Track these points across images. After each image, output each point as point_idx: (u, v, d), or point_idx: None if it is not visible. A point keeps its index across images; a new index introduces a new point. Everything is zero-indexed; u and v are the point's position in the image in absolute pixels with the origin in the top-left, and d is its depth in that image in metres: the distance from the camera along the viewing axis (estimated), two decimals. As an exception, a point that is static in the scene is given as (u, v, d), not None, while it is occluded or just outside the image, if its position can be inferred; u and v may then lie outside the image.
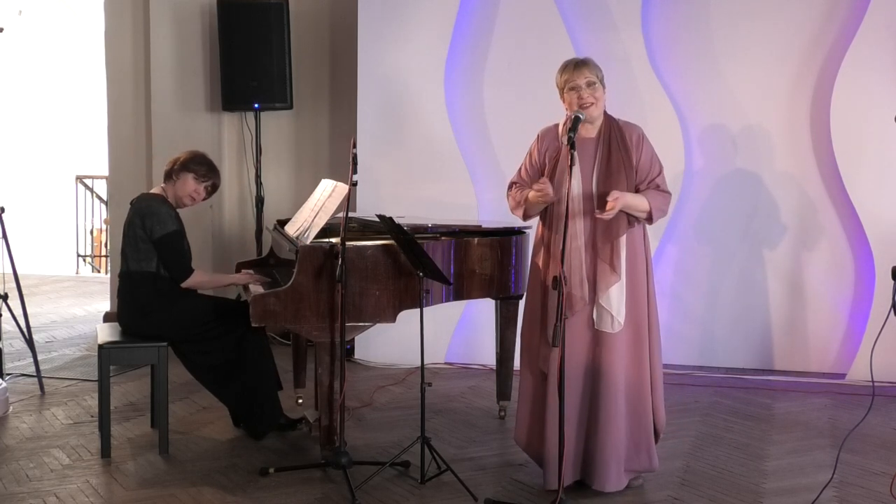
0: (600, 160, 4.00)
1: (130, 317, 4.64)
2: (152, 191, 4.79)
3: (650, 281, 4.09)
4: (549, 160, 4.09)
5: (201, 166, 4.72)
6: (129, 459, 4.51)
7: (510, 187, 4.21)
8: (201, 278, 4.71)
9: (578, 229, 3.98)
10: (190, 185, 4.70)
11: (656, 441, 4.18)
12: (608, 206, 3.87)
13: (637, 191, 4.02)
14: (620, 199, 3.88)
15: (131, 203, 4.73)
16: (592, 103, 3.97)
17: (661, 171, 4.06)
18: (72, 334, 7.40)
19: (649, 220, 4.00)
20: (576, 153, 3.84)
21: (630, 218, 3.98)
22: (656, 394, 4.11)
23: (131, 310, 4.63)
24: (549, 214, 4.07)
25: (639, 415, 4.05)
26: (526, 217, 4.16)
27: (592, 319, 3.99)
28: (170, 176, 4.72)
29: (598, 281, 3.96)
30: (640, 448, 4.07)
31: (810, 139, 6.06)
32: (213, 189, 4.79)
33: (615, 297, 3.96)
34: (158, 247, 4.57)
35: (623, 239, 3.98)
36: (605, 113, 4.09)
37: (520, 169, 4.20)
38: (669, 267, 6.18)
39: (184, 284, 4.62)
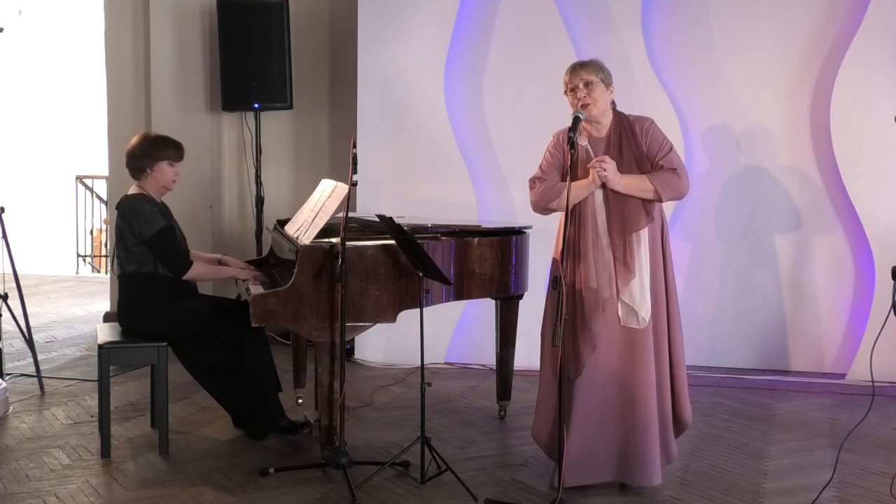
0: (614, 158, 4.01)
1: (130, 317, 4.63)
2: (130, 191, 4.70)
3: (669, 276, 4.11)
4: (568, 160, 4.10)
5: (168, 149, 4.67)
6: (129, 459, 4.51)
7: (533, 182, 4.18)
8: (201, 270, 4.69)
9: (602, 230, 4.01)
10: (167, 171, 4.67)
11: (681, 433, 4.23)
12: (597, 167, 3.92)
13: None
14: (610, 166, 3.91)
15: (116, 207, 4.71)
16: (589, 103, 3.99)
17: (669, 151, 4.05)
18: (72, 334, 7.40)
19: (659, 198, 4.00)
20: (581, 151, 3.87)
21: (647, 208, 3.99)
22: (681, 387, 4.14)
23: (131, 310, 4.62)
24: (575, 213, 4.06)
25: (663, 409, 4.09)
26: (560, 208, 4.06)
27: (619, 316, 4.00)
28: (143, 171, 4.65)
29: (617, 278, 3.98)
30: (663, 441, 4.09)
31: (810, 139, 6.06)
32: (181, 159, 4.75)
33: (637, 293, 3.98)
34: (151, 246, 4.55)
35: (643, 234, 3.99)
36: (614, 111, 4.11)
37: (541, 165, 4.19)
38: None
39: (185, 277, 4.61)
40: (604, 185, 4.00)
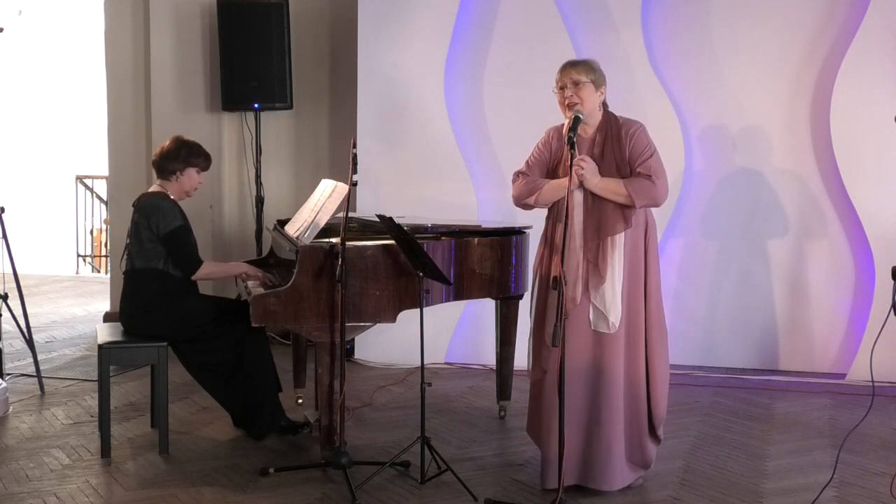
0: (595, 158, 4.02)
1: (133, 314, 4.63)
2: (151, 189, 4.80)
3: (650, 278, 4.09)
4: (554, 158, 4.12)
5: (199, 157, 4.78)
6: (129, 459, 4.51)
7: (516, 176, 4.19)
8: (211, 269, 4.73)
9: (577, 230, 4.00)
10: (194, 178, 4.78)
11: (657, 439, 4.21)
12: (575, 165, 3.91)
13: None
14: (589, 166, 3.93)
15: (133, 205, 4.73)
16: (576, 103, 4.00)
17: (649, 157, 4.02)
18: (72, 334, 7.40)
19: (632, 203, 3.96)
20: (576, 152, 3.88)
21: (625, 214, 3.98)
22: (658, 390, 4.12)
23: (135, 307, 4.62)
24: (555, 210, 4.08)
25: (635, 413, 4.07)
26: (537, 204, 4.11)
27: (590, 319, 4.00)
28: (172, 173, 4.73)
29: (588, 281, 3.98)
30: (633, 444, 4.09)
31: (810, 139, 6.06)
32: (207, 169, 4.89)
33: (608, 298, 3.97)
34: (166, 242, 4.57)
35: (619, 240, 3.98)
36: (605, 111, 4.11)
37: (527, 160, 4.20)
38: (669, 267, 6.17)
39: (194, 276, 4.62)
40: (585, 187, 4.00)
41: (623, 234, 3.99)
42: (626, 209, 3.98)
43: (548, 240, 4.14)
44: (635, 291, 4.03)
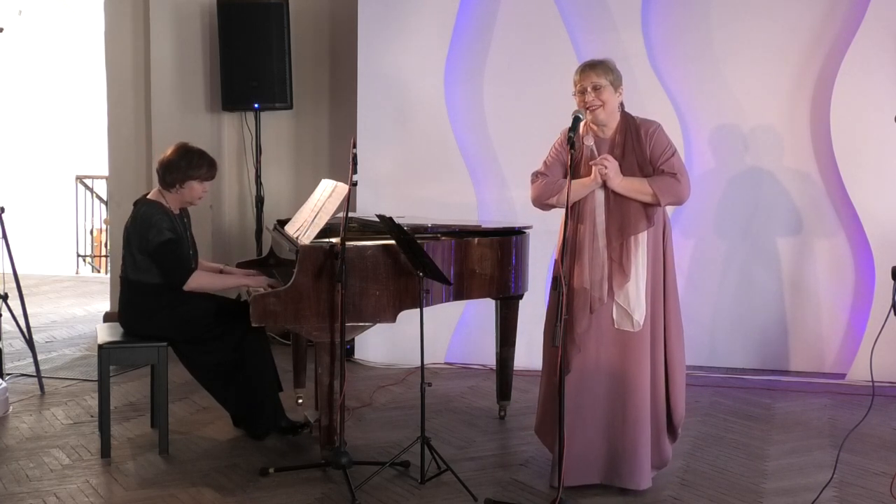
0: (616, 159, 4.02)
1: (132, 318, 4.62)
2: (149, 196, 4.70)
3: (669, 279, 4.10)
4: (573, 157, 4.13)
5: (201, 169, 4.65)
6: (129, 459, 4.51)
7: (535, 176, 4.19)
8: (202, 281, 4.63)
9: (600, 230, 4.02)
10: (196, 189, 4.67)
11: (675, 437, 4.22)
12: (598, 164, 3.93)
13: None
14: (612, 165, 3.93)
15: (133, 204, 4.72)
16: (598, 106, 4.00)
17: (671, 156, 4.04)
18: (72, 334, 7.40)
19: (657, 202, 3.98)
20: (586, 150, 3.87)
21: (648, 213, 3.98)
22: (677, 389, 4.13)
23: (133, 312, 4.61)
24: (576, 211, 4.07)
25: (655, 412, 4.08)
26: (559, 204, 4.08)
27: (613, 318, 4.01)
28: (172, 185, 4.63)
29: (612, 280, 3.98)
30: (653, 443, 4.09)
31: (810, 139, 6.06)
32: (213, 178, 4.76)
33: (632, 296, 3.98)
34: (154, 256, 4.53)
35: (642, 238, 3.99)
36: (622, 112, 4.11)
37: (545, 160, 4.20)
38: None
39: (186, 287, 4.58)
40: (606, 186, 4.00)
41: (646, 232, 4.00)
42: (648, 208, 3.99)
43: (571, 244, 4.12)
44: (657, 290, 4.05)
